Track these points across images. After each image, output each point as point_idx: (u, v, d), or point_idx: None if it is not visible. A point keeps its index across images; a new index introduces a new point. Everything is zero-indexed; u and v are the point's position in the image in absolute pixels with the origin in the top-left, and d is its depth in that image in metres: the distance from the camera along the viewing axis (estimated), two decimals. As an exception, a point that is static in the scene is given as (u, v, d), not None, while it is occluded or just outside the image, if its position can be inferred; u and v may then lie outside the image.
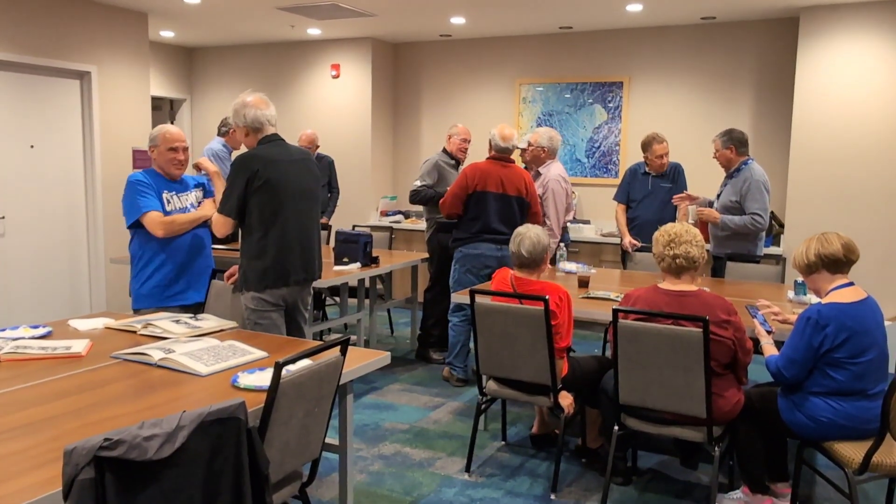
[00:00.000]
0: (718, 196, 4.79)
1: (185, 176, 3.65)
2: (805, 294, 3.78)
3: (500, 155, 4.71)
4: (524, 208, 4.67)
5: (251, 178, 3.15)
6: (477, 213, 4.66)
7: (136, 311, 3.55)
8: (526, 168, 5.84)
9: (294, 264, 3.30)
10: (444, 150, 5.46)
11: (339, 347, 2.34)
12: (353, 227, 6.53)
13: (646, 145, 5.10)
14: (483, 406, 3.56)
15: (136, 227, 3.48)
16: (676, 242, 2.85)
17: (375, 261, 5.02)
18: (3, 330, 2.90)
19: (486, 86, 7.35)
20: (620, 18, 6.21)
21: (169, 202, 3.52)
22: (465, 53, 7.42)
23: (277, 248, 3.24)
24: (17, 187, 5.61)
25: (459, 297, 3.97)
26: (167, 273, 3.52)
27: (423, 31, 7.04)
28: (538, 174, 5.00)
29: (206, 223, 3.58)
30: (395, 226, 7.25)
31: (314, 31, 7.13)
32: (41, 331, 2.90)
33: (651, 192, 5.07)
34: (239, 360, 2.55)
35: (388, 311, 6.24)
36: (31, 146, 5.70)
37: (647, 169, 5.15)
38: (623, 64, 6.70)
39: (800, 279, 3.80)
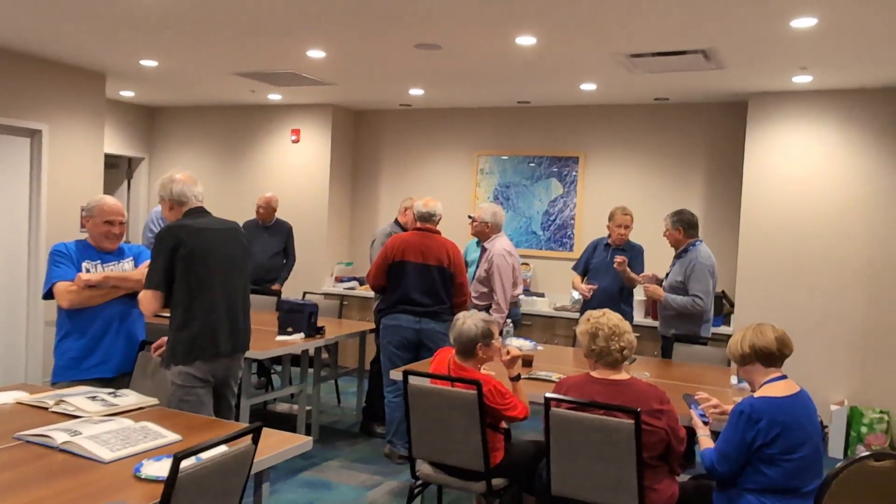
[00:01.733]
0: (667, 275, 4.82)
1: (123, 245, 3.56)
2: (746, 380, 3.75)
3: (423, 225, 4.72)
4: (447, 278, 4.64)
5: (175, 247, 3.07)
6: (396, 283, 4.65)
7: (54, 385, 3.39)
8: (479, 241, 5.86)
9: (221, 336, 3.18)
10: (397, 221, 5.45)
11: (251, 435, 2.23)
12: (304, 294, 6.43)
13: (611, 215, 5.16)
14: (416, 490, 3.43)
15: (50, 297, 3.37)
16: (618, 334, 2.81)
17: (320, 331, 4.91)
18: None
19: (445, 156, 7.41)
20: (576, 96, 6.35)
21: (89, 271, 3.40)
22: (425, 123, 7.50)
23: (204, 319, 3.13)
24: (-46, 245, 5.44)
25: (395, 374, 3.88)
26: (83, 344, 3.39)
27: (383, 100, 7.12)
28: (484, 249, 4.99)
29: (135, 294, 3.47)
30: (348, 293, 7.17)
31: (275, 97, 7.17)
32: (-55, 406, 2.74)
33: (609, 263, 5.09)
34: (148, 444, 2.42)
35: (336, 381, 6.09)
36: (-27, 203, 5.56)
37: (608, 241, 5.18)
38: (579, 139, 6.82)
39: (742, 365, 3.78)
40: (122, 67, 6.07)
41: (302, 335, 4.74)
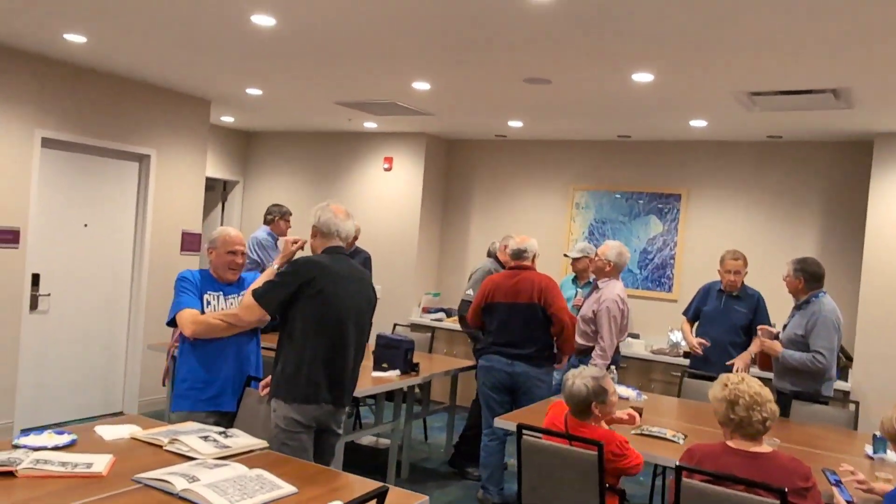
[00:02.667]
0: (785, 326, 4.51)
1: (243, 274, 3.58)
2: (885, 452, 3.44)
3: (517, 262, 4.61)
4: (540, 315, 4.46)
5: (306, 283, 3.03)
6: (490, 324, 4.59)
7: (173, 413, 3.42)
8: (576, 276, 5.67)
9: (331, 385, 3.11)
10: (496, 258, 5.32)
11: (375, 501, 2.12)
12: (395, 326, 6.37)
13: (721, 259, 4.92)
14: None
15: (174, 325, 3.39)
16: (760, 404, 2.58)
17: (415, 368, 4.82)
18: (27, 434, 2.75)
19: (540, 188, 7.26)
20: (681, 131, 6.11)
21: (209, 303, 3.42)
22: (520, 155, 7.38)
23: (317, 365, 3.06)
24: (66, 266, 5.62)
25: (502, 423, 3.73)
26: (201, 376, 3.39)
27: (478, 130, 7.05)
28: (597, 287, 4.80)
29: (255, 330, 3.47)
30: (436, 324, 7.07)
31: (370, 125, 7.20)
32: (65, 438, 2.74)
33: (723, 311, 4.82)
34: (265, 496, 2.34)
35: (424, 417, 5.97)
36: (85, 225, 5.74)
37: (721, 286, 4.93)
38: (681, 176, 6.56)
39: (878, 433, 3.47)
40: (228, 95, 6.19)
41: (398, 372, 4.65)
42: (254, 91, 5.88)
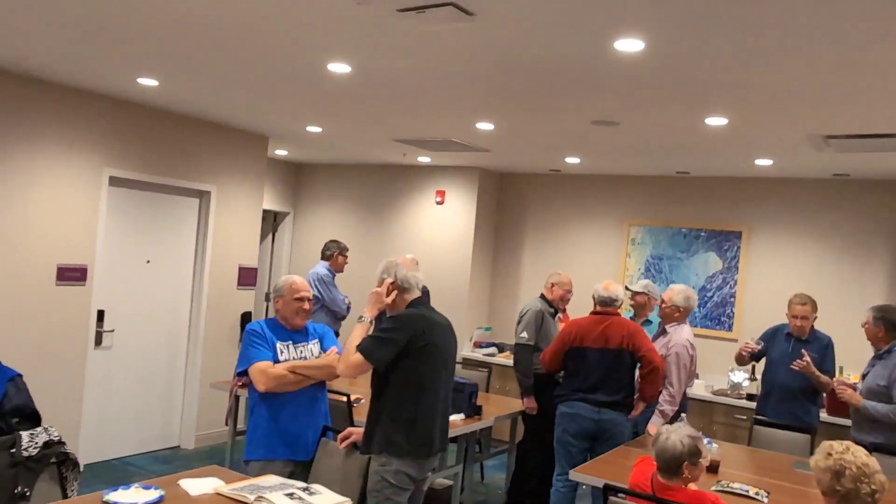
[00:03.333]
0: (864, 376, 4.37)
1: (310, 324, 3.59)
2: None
3: (603, 308, 4.53)
4: (625, 359, 4.38)
5: (415, 337, 3.07)
6: (575, 369, 4.48)
7: (246, 463, 3.42)
8: (634, 314, 5.57)
9: (437, 433, 3.17)
10: (543, 297, 5.26)
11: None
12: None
13: (788, 303, 4.79)
14: None
15: (245, 374, 3.41)
16: (868, 475, 2.48)
17: (479, 411, 4.76)
18: (116, 489, 2.76)
19: (594, 223, 7.20)
20: (742, 168, 6.01)
21: (282, 353, 3.43)
22: (574, 189, 7.33)
23: (428, 416, 3.12)
24: (129, 302, 5.69)
25: (578, 476, 3.66)
26: (273, 426, 3.39)
27: (532, 165, 7.02)
28: (664, 332, 4.71)
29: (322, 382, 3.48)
30: (489, 360, 7.00)
31: (424, 159, 7.21)
32: (153, 494, 2.75)
33: (791, 355, 4.70)
34: (363, 565, 2.31)
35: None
36: (148, 261, 5.82)
37: (789, 330, 4.80)
38: (742, 213, 6.44)
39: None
40: (287, 132, 6.26)
41: (462, 416, 4.60)
42: (314, 129, 5.93)
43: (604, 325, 4.45)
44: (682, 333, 4.62)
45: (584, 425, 4.40)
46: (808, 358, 4.51)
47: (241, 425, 5.43)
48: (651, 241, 6.82)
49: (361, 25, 3.11)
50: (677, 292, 4.73)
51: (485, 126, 5.12)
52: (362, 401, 4.45)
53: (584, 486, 4.31)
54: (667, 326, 4.71)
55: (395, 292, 3.21)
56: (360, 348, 3.08)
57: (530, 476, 5.09)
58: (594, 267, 7.00)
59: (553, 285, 5.24)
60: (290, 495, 2.84)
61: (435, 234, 7.62)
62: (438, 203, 7.62)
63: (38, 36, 3.76)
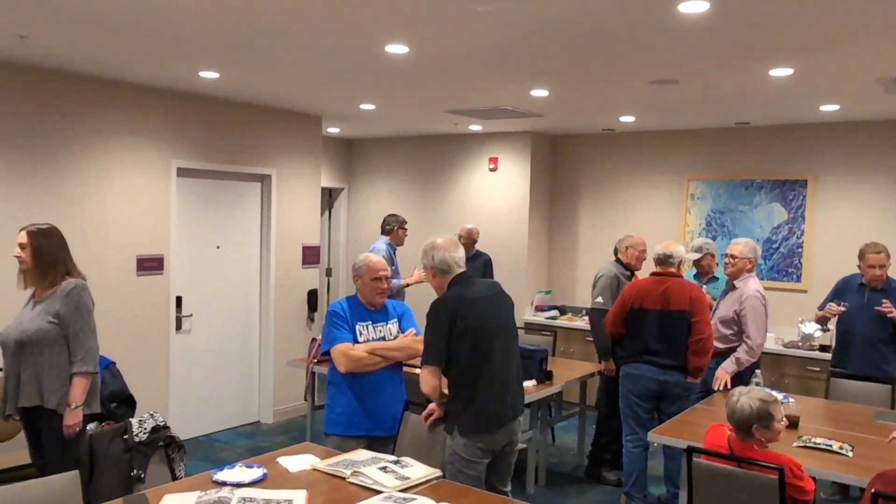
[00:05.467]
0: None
1: (388, 302, 3.68)
2: None
3: (662, 269, 4.50)
4: (683, 322, 4.36)
5: (454, 320, 3.10)
6: (636, 332, 4.49)
7: (327, 435, 3.57)
8: (697, 273, 5.53)
9: (504, 406, 3.21)
10: (618, 261, 5.25)
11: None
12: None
13: (860, 253, 4.71)
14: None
15: (328, 355, 3.54)
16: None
17: (550, 377, 4.84)
18: (222, 469, 2.92)
19: (651, 181, 7.12)
20: (805, 115, 5.86)
21: (361, 333, 3.54)
22: (629, 147, 7.25)
23: (488, 393, 3.15)
24: (203, 287, 5.91)
25: (658, 437, 3.72)
26: (352, 403, 3.52)
27: (585, 126, 6.96)
28: (733, 287, 4.69)
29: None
30: (551, 323, 7.06)
31: (475, 127, 7.21)
32: (257, 472, 2.90)
33: (866, 306, 4.62)
34: (463, 533, 2.42)
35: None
36: (217, 247, 6.01)
37: (863, 280, 4.73)
38: (807, 161, 6.29)
39: None
40: (341, 111, 6.33)
41: (534, 382, 4.69)
42: (367, 106, 5.99)
43: (664, 286, 4.43)
44: (751, 285, 4.60)
45: (648, 386, 4.44)
46: (889, 305, 4.45)
47: (318, 400, 5.64)
48: (711, 195, 6.73)
49: (420, 7, 3.13)
50: (744, 244, 4.69)
51: (539, 93, 5.10)
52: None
53: (655, 445, 4.36)
54: (735, 282, 4.69)
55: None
56: (422, 363, 3.17)
57: (612, 442, 5.13)
58: (653, 225, 6.95)
59: (627, 248, 5.22)
60: (384, 468, 2.97)
61: (490, 202, 7.65)
62: (492, 170, 7.63)
63: (108, 40, 3.89)
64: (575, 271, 7.66)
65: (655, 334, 4.41)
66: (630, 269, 5.22)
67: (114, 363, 4.23)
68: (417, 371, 4.31)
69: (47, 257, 3.35)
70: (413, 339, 3.59)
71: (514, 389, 3.31)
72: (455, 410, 3.18)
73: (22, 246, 3.36)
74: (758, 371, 4.44)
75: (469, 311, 3.13)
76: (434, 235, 3.38)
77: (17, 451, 3.89)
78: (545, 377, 4.79)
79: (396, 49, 3.88)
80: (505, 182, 7.55)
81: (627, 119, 6.30)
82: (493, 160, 7.62)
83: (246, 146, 6.07)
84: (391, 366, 3.58)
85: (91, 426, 3.57)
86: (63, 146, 4.86)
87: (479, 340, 3.14)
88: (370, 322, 3.58)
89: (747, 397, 3.03)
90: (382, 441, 3.52)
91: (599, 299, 5.11)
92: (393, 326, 3.64)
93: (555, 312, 7.33)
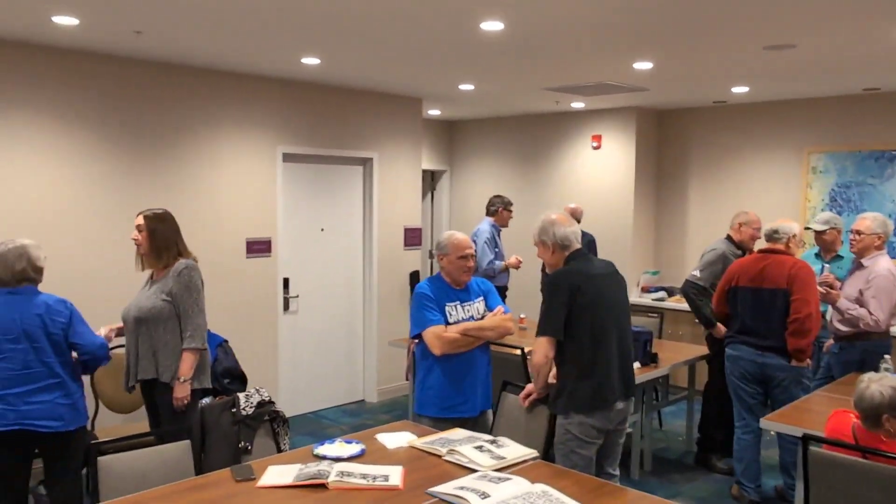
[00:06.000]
0: None
1: (473, 280, 3.65)
2: None
3: (771, 246, 4.25)
4: (777, 301, 4.09)
5: (574, 293, 3.06)
6: (734, 310, 4.30)
7: (419, 416, 3.60)
8: (820, 251, 5.16)
9: (618, 383, 3.16)
10: (729, 238, 4.97)
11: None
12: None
13: None
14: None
15: (420, 337, 3.55)
16: None
17: (655, 359, 4.68)
18: (322, 444, 3.00)
19: (767, 155, 6.71)
20: (944, 78, 5.33)
21: (451, 314, 3.52)
22: (742, 120, 6.86)
23: (606, 367, 3.11)
24: (309, 269, 6.10)
25: (770, 424, 3.51)
26: (445, 384, 3.52)
27: (693, 99, 6.64)
28: (860, 266, 4.35)
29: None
30: (658, 304, 6.82)
31: (577, 105, 7.03)
32: (355, 448, 2.96)
33: None
34: (558, 516, 2.37)
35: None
36: (322, 230, 6.18)
37: None
38: (944, 128, 5.73)
39: None
40: (440, 92, 6.33)
41: (638, 364, 4.53)
42: (466, 87, 5.95)
43: (764, 263, 4.19)
44: (882, 263, 4.26)
45: (747, 368, 4.23)
46: None
47: (420, 379, 5.71)
48: (835, 168, 6.25)
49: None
50: (872, 219, 4.34)
51: (643, 65, 4.89)
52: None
53: (771, 433, 4.13)
54: (863, 260, 4.34)
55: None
56: (538, 332, 3.13)
57: (717, 424, 4.92)
58: (770, 202, 6.55)
59: (741, 225, 4.94)
60: (479, 448, 2.96)
61: (594, 180, 7.45)
62: (595, 148, 7.43)
63: (216, 33, 4.05)
64: (684, 251, 7.35)
65: (750, 313, 4.22)
66: (742, 248, 4.93)
67: (226, 341, 4.44)
68: (517, 351, 4.32)
69: (161, 240, 3.54)
70: (503, 317, 3.56)
71: (630, 369, 3.27)
72: (570, 387, 3.12)
73: (139, 229, 3.56)
74: (887, 357, 4.10)
75: (590, 286, 3.10)
76: (548, 211, 3.35)
77: (140, 422, 4.18)
78: (650, 359, 4.63)
79: (492, 26, 3.81)
80: (609, 160, 7.33)
81: (740, 90, 5.95)
82: (597, 138, 7.41)
83: (348, 130, 6.19)
84: (480, 346, 3.57)
85: (205, 400, 3.77)
86: (177, 135, 5.13)
87: (599, 316, 3.11)
88: (458, 302, 3.56)
89: (878, 384, 2.80)
90: (473, 421, 3.51)
91: (696, 273, 4.87)
92: (480, 305, 3.61)
93: (662, 294, 7.08)
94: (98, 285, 4.72)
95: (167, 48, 4.54)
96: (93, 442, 3.19)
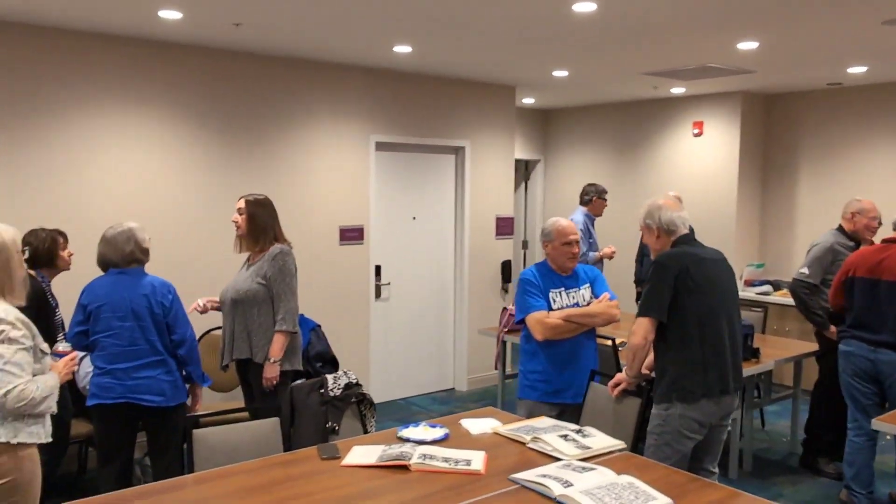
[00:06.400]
0: None
1: (579, 266, 3.60)
2: None
3: (892, 236, 3.94)
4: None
5: (681, 276, 2.94)
6: (849, 304, 4.02)
7: (519, 400, 3.60)
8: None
9: (727, 372, 3.01)
10: (840, 229, 4.64)
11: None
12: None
13: None
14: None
15: (523, 323, 3.52)
16: None
17: (756, 354, 4.45)
18: (407, 427, 3.02)
19: (890, 140, 6.23)
20: None
21: (555, 301, 3.47)
22: (860, 102, 6.40)
23: (714, 355, 2.97)
24: (400, 257, 6.16)
25: (883, 425, 3.26)
26: (545, 370, 3.50)
27: (804, 82, 6.25)
28: None
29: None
30: (763, 299, 6.47)
31: (677, 90, 6.77)
32: (439, 432, 2.96)
33: None
34: (641, 509, 2.28)
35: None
36: (413, 218, 6.23)
37: None
38: None
39: None
40: (533, 79, 6.24)
41: (738, 359, 4.32)
42: (560, 73, 5.84)
43: (885, 254, 3.87)
44: None
45: (860, 365, 3.94)
46: None
47: (509, 369, 5.67)
48: (965, 153, 5.74)
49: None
50: None
51: (747, 45, 4.63)
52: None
53: (887, 437, 3.84)
54: None
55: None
56: (639, 312, 3.02)
57: (826, 425, 4.63)
58: (891, 192, 6.09)
59: (854, 214, 4.58)
60: (565, 437, 2.89)
61: (694, 169, 7.16)
62: (696, 135, 7.13)
63: (311, 23, 4.14)
64: (792, 243, 6.95)
65: (864, 306, 3.93)
66: (855, 240, 4.59)
67: (319, 326, 4.55)
68: (608, 342, 4.21)
69: (259, 224, 3.66)
70: (608, 304, 3.49)
71: (738, 360, 3.11)
72: (673, 374, 2.99)
73: (240, 211, 3.70)
74: None
75: (699, 269, 2.97)
76: (655, 197, 3.24)
77: (237, 401, 4.35)
78: (751, 354, 4.42)
79: (584, 7, 3.71)
80: (711, 147, 7.02)
81: (857, 70, 5.55)
82: (698, 124, 7.11)
83: (440, 119, 6.21)
84: (586, 332, 3.53)
85: (298, 382, 3.87)
86: (273, 125, 5.28)
87: (707, 301, 2.97)
88: (563, 288, 3.52)
89: None
90: (573, 409, 3.46)
91: (805, 270, 4.57)
92: (586, 292, 3.55)
93: (767, 288, 6.71)
94: (199, 267, 4.95)
95: (264, 39, 4.68)
96: (189, 415, 3.34)
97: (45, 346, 2.59)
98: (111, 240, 3.37)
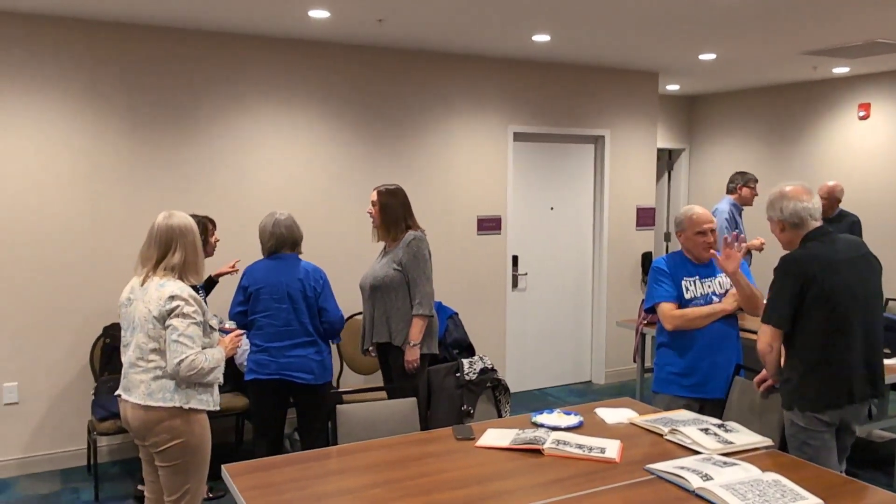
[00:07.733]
0: None
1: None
2: None
3: None
4: None
5: (807, 283, 2.72)
6: None
7: (655, 394, 3.50)
8: None
9: (857, 382, 2.77)
10: None
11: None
12: (886, 301, 5.46)
13: None
14: None
15: (653, 311, 3.44)
16: None
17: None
18: (541, 413, 3.02)
19: None
20: None
21: (688, 290, 3.35)
22: None
23: (841, 365, 2.75)
24: (537, 247, 6.15)
25: None
26: (682, 362, 3.38)
27: None
28: None
29: (733, 315, 3.31)
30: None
31: (840, 70, 6.26)
32: (573, 419, 2.94)
33: None
34: (788, 508, 2.15)
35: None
36: (551, 208, 6.19)
37: None
38: None
39: None
40: (678, 64, 6.00)
41: (894, 360, 3.96)
42: (707, 56, 5.58)
43: None
44: None
45: None
46: None
47: (647, 363, 5.50)
48: None
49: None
50: None
51: (922, 14, 4.21)
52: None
53: None
54: None
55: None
56: (763, 317, 2.84)
57: None
58: None
59: None
60: (705, 430, 2.78)
61: (859, 156, 6.60)
62: (862, 118, 6.56)
63: (450, 14, 4.22)
64: (975, 236, 6.25)
65: None
66: None
67: (456, 314, 4.65)
68: (754, 336, 3.98)
69: (391, 214, 3.79)
70: (734, 298, 3.30)
71: (876, 368, 2.84)
72: (796, 381, 2.81)
73: (373, 203, 3.84)
74: None
75: (828, 276, 2.71)
76: (782, 183, 3.01)
77: (378, 383, 4.53)
78: (910, 354, 4.01)
79: (732, -19, 3.53)
80: (879, 131, 6.44)
81: None
82: (864, 107, 6.54)
83: (579, 108, 6.12)
84: (727, 322, 3.36)
85: (435, 366, 3.99)
86: (414, 118, 5.44)
87: (838, 309, 2.72)
88: (697, 277, 3.39)
89: None
90: (714, 404, 3.31)
91: None
92: (723, 279, 3.39)
93: (943, 285, 6.08)
94: (342, 255, 5.19)
95: (406, 34, 4.82)
96: (333, 391, 3.53)
97: (213, 322, 2.83)
98: (281, 224, 3.62)
